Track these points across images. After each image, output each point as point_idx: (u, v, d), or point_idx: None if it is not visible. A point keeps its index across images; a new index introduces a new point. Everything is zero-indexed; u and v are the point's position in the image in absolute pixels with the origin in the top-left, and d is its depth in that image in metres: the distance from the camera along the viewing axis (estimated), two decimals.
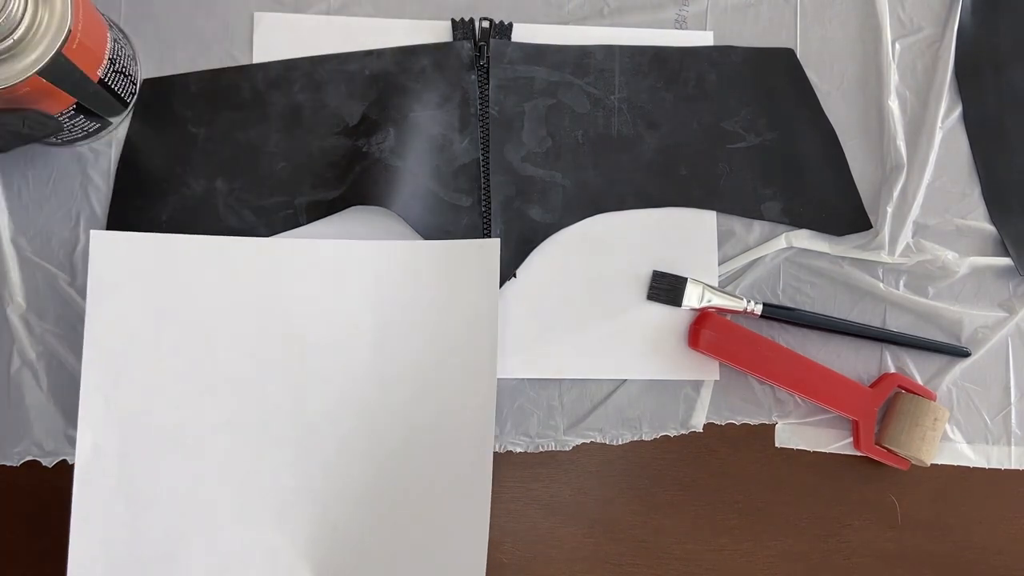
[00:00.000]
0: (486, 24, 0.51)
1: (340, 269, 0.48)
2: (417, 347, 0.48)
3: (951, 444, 0.52)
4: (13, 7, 0.36)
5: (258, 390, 0.47)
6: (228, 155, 0.49)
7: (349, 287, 0.48)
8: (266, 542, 0.46)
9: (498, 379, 0.49)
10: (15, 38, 0.37)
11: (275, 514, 0.46)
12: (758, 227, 0.52)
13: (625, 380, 0.50)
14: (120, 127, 0.49)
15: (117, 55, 0.45)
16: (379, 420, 0.47)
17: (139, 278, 0.46)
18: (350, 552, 0.46)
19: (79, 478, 0.45)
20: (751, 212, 0.52)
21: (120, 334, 0.46)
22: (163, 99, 0.49)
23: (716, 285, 0.51)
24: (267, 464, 0.46)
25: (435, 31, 0.51)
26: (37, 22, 0.38)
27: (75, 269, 0.48)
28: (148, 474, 0.45)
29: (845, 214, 0.53)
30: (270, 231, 0.49)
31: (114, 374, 0.46)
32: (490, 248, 0.48)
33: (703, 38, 0.53)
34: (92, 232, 0.46)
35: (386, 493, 0.47)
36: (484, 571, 0.46)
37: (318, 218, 0.49)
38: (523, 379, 0.50)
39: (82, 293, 0.48)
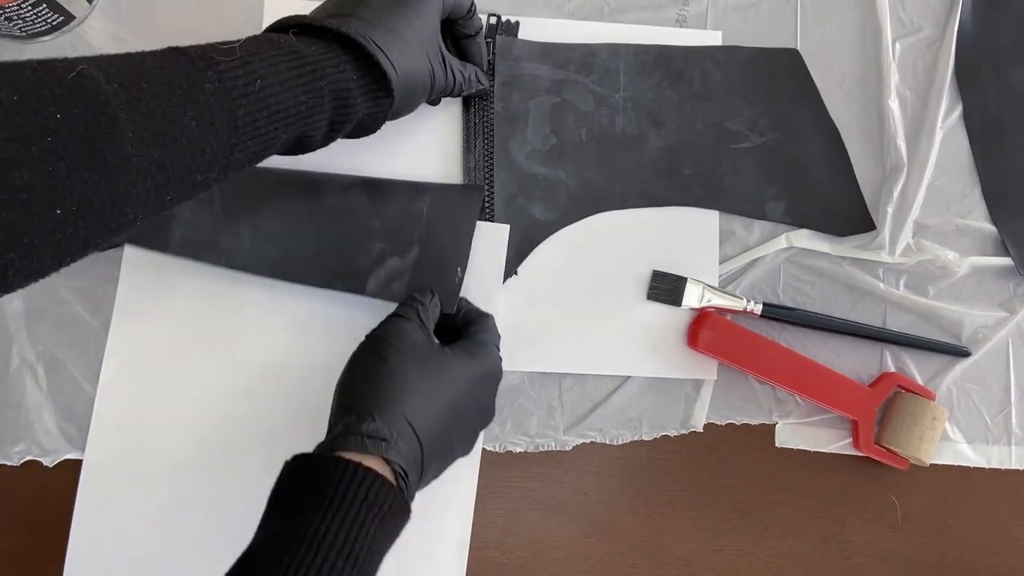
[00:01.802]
0: (492, 20, 0.51)
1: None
2: None
3: (951, 444, 0.52)
4: None
5: (244, 392, 0.48)
6: None
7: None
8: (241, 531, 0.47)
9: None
10: None
11: (248, 508, 0.47)
12: (758, 227, 0.52)
13: (625, 380, 0.50)
14: (84, 23, 0.49)
15: None
16: None
17: (160, 295, 0.48)
18: None
19: (91, 443, 0.47)
20: (754, 212, 0.52)
21: (139, 340, 0.48)
22: None
23: (716, 285, 0.51)
24: (242, 461, 0.47)
25: None
26: None
27: (73, 270, 0.48)
28: (148, 456, 0.47)
29: (849, 215, 0.53)
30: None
31: (129, 377, 0.47)
32: (499, 232, 0.49)
33: (712, 37, 0.53)
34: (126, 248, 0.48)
35: None
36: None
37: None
38: (523, 377, 0.50)
39: (80, 294, 0.48)
